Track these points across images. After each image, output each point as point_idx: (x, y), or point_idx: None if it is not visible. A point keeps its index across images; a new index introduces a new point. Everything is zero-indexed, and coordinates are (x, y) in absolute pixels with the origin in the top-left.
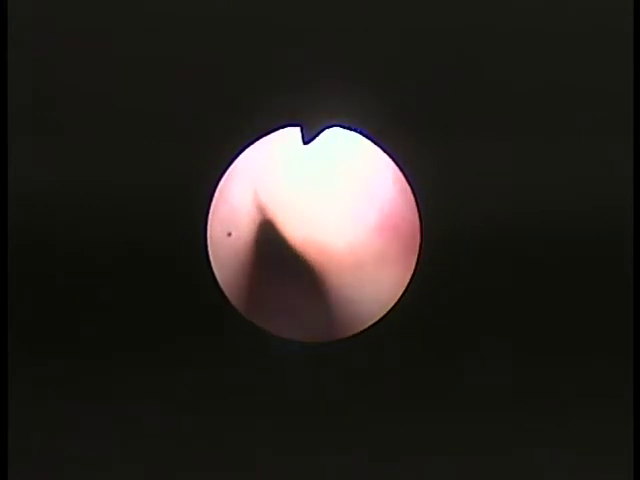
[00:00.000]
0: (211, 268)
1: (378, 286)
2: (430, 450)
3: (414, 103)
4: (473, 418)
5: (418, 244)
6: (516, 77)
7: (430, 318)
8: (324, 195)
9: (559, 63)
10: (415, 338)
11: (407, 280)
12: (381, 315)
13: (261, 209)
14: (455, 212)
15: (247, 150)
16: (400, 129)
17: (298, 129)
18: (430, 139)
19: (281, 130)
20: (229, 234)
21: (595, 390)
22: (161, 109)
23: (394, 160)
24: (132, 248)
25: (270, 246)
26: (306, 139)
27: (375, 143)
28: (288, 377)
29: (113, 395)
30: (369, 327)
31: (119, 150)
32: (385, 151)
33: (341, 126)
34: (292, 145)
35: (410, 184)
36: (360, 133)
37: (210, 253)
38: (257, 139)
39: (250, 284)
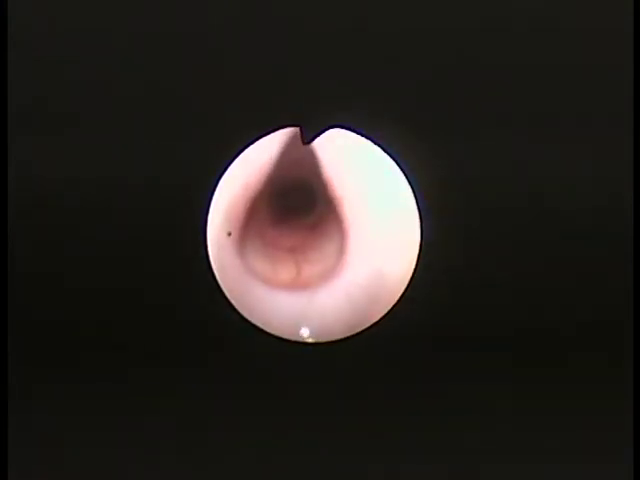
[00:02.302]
0: (211, 268)
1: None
2: (430, 451)
3: (414, 103)
4: (474, 420)
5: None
6: (516, 77)
7: (430, 319)
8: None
9: (560, 63)
10: (415, 339)
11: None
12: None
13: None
14: (455, 212)
15: (247, 150)
16: (401, 129)
17: (298, 129)
18: (430, 139)
19: (281, 130)
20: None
21: (595, 391)
22: (161, 109)
23: (394, 160)
24: (131, 248)
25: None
26: (306, 139)
27: (375, 143)
28: (287, 377)
29: (112, 395)
30: (368, 328)
31: (119, 150)
32: (385, 151)
33: (342, 126)
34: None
35: (410, 184)
36: (360, 133)
37: (210, 253)
38: (257, 139)
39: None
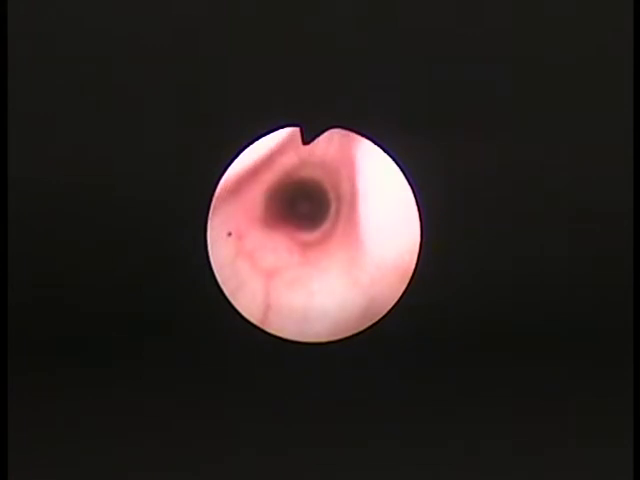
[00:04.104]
0: (211, 268)
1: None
2: (429, 453)
3: (414, 103)
4: (474, 417)
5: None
6: (516, 76)
7: (430, 319)
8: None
9: (560, 62)
10: (414, 340)
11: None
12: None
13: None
14: (455, 212)
15: (247, 150)
16: (400, 129)
17: (298, 129)
18: (430, 138)
19: (281, 130)
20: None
21: (595, 390)
22: (161, 110)
23: (394, 160)
24: (132, 248)
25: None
26: (306, 139)
27: (375, 143)
28: (287, 377)
29: (112, 394)
30: (367, 328)
31: (119, 151)
32: (385, 151)
33: (341, 126)
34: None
35: (410, 184)
36: (360, 133)
37: (210, 253)
38: (257, 139)
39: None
